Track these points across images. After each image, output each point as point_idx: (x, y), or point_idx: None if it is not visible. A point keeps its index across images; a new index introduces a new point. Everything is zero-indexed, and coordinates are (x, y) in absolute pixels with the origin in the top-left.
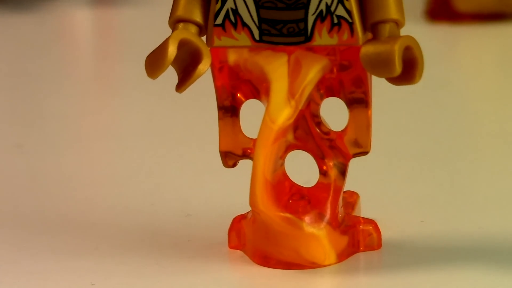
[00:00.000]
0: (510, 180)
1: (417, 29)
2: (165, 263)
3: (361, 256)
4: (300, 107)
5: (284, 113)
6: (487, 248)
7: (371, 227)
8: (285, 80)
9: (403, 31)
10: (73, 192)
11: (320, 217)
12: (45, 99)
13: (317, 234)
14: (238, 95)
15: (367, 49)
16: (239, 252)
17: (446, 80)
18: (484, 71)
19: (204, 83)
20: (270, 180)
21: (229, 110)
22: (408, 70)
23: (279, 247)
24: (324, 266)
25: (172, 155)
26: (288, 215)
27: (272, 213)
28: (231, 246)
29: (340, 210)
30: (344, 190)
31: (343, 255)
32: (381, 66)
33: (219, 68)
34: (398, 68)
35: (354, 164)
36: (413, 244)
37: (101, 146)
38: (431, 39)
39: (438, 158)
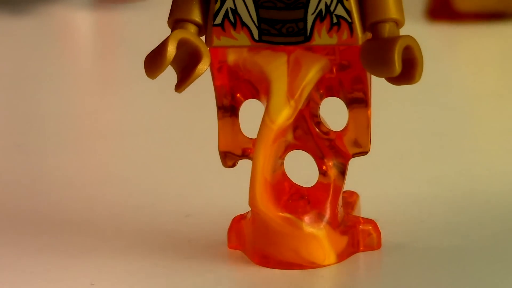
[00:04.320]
0: (510, 180)
1: (417, 29)
2: (165, 263)
3: (361, 256)
4: (299, 107)
5: (283, 113)
6: (487, 248)
7: (370, 227)
8: (285, 80)
9: (403, 31)
10: (73, 191)
11: (319, 217)
12: (45, 99)
13: (316, 234)
14: (238, 95)
15: (367, 49)
16: (238, 252)
17: (446, 79)
18: (484, 70)
19: (204, 83)
20: (269, 180)
21: (228, 110)
22: (408, 69)
23: (278, 247)
24: (324, 266)
25: (172, 155)
26: (287, 215)
27: (272, 213)
28: (231, 246)
29: (340, 210)
30: (344, 190)
31: (343, 255)
32: (381, 65)
33: (218, 68)
34: (397, 68)
35: (354, 164)
36: (413, 244)
37: (101, 146)
38: (431, 38)
39: (438, 157)
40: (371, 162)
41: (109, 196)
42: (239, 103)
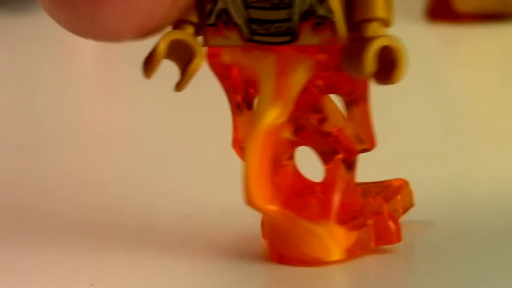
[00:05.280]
0: (511, 180)
1: (417, 29)
2: (165, 264)
3: (371, 255)
4: (290, 107)
5: (270, 113)
6: (494, 251)
7: (390, 222)
8: (272, 80)
9: (402, 31)
10: (73, 192)
11: (324, 212)
12: (45, 99)
13: (316, 231)
14: (251, 90)
15: (345, 48)
16: (238, 252)
17: (446, 80)
18: (484, 71)
19: (204, 83)
20: (265, 176)
21: (244, 106)
22: (389, 70)
23: (283, 243)
24: (328, 262)
25: (172, 155)
26: (285, 211)
27: (269, 209)
28: (265, 237)
29: (360, 203)
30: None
31: (352, 251)
32: (353, 65)
33: (230, 66)
34: (368, 69)
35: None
36: (420, 245)
37: (100, 146)
38: (431, 39)
39: (438, 158)
40: (373, 163)
41: (109, 196)
42: (253, 98)
